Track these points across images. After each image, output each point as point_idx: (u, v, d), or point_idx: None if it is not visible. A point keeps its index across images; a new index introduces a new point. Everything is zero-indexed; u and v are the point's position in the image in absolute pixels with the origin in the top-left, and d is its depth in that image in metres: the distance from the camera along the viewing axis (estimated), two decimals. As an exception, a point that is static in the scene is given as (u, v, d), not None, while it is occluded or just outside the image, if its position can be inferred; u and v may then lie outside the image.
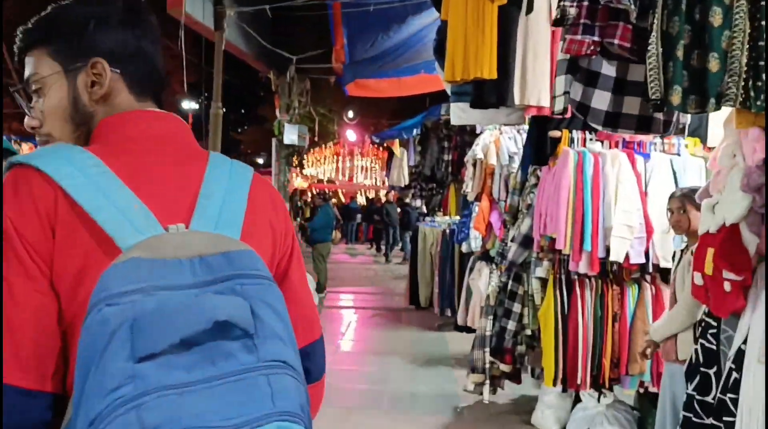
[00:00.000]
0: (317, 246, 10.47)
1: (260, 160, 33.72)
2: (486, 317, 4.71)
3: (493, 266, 6.17)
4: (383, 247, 18.13)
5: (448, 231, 7.72)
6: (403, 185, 13.39)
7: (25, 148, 20.49)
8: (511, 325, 4.43)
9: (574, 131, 4.12)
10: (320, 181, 28.34)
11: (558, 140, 4.13)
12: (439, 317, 7.96)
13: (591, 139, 4.11)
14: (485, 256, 6.26)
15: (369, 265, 15.40)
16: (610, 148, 4.09)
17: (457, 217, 8.50)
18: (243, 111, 39.73)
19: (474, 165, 6.24)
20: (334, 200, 26.62)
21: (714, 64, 2.24)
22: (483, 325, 4.71)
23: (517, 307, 4.44)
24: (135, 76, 1.05)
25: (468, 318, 6.34)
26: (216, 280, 0.84)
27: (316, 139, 10.02)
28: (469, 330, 6.45)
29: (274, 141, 9.27)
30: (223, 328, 0.78)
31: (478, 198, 6.30)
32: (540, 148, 4.25)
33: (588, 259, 3.85)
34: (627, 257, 3.84)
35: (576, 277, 4.07)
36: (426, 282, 8.05)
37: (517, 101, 3.90)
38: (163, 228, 0.89)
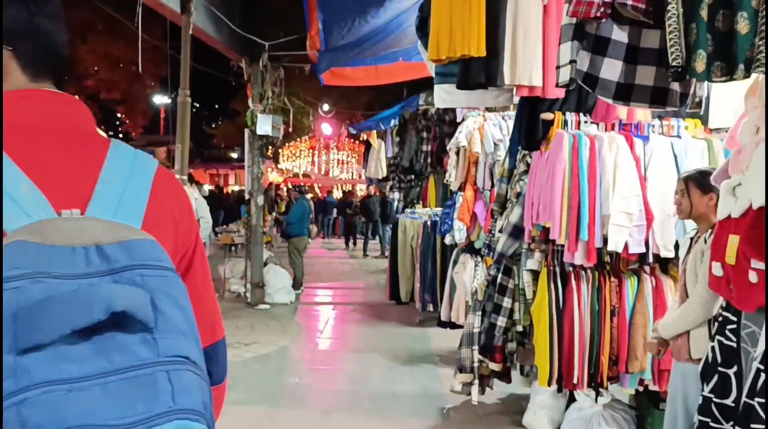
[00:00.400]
0: (293, 240, 10.12)
1: (234, 155, 33.35)
2: (474, 313, 4.43)
3: (478, 259, 5.92)
4: (352, 242, 18.07)
5: (429, 223, 7.44)
6: (380, 177, 13.11)
7: None
8: (501, 322, 4.16)
9: (567, 113, 3.85)
10: (296, 175, 28.12)
11: (550, 123, 3.85)
12: (421, 312, 7.68)
13: (586, 122, 3.84)
14: (470, 248, 5.99)
15: (346, 260, 15.08)
16: (606, 130, 3.83)
17: (439, 209, 8.23)
18: (217, 106, 39.14)
19: (457, 153, 5.96)
20: (310, 194, 26.31)
21: (743, 26, 1.97)
22: (471, 321, 4.43)
23: (507, 302, 4.17)
24: (29, 55, 0.97)
25: (452, 313, 6.06)
26: (113, 271, 0.78)
27: (291, 130, 9.65)
28: (453, 325, 6.18)
29: (246, 132, 8.87)
30: (120, 319, 0.73)
31: (461, 188, 6.02)
32: (531, 132, 3.98)
33: (584, 250, 3.59)
34: (626, 247, 3.58)
35: (571, 269, 3.81)
36: (407, 276, 7.77)
37: (507, 81, 3.64)
38: (56, 212, 0.83)
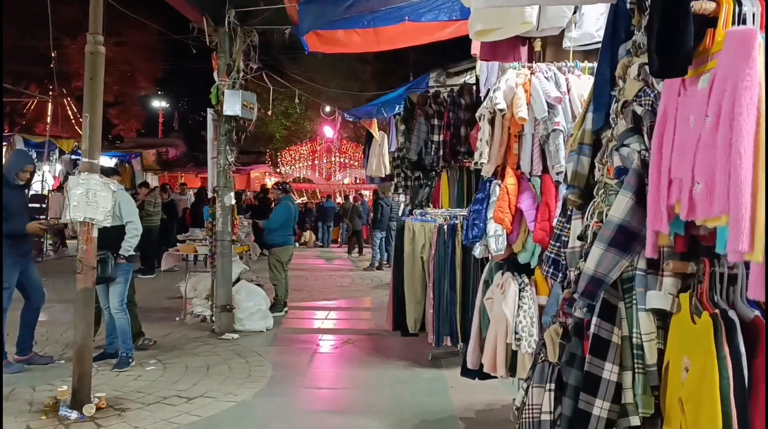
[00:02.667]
0: (275, 250, 8.17)
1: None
2: (542, 386, 2.46)
3: (525, 280, 3.97)
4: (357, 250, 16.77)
5: (446, 227, 5.48)
6: (384, 175, 11.14)
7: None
8: (600, 408, 2.20)
9: (745, 1, 1.91)
10: (296, 180, 26.76)
11: (708, 22, 1.91)
12: (435, 347, 5.72)
13: (784, 14, 1.89)
14: (511, 263, 4.04)
15: (345, 272, 13.11)
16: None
17: (458, 210, 6.29)
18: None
19: (492, 122, 4.02)
20: (306, 199, 24.35)
21: None
22: (536, 401, 2.47)
23: (609, 372, 2.21)
24: None
25: (484, 359, 4.10)
26: None
27: (270, 113, 7.74)
28: (484, 375, 4.24)
29: (209, 113, 6.95)
30: None
31: (497, 173, 4.09)
32: (667, 41, 2.02)
33: (802, 277, 1.63)
34: None
35: (758, 312, 1.87)
36: (416, 299, 5.81)
37: None
38: None
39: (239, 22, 6.78)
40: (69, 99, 33.15)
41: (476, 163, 4.14)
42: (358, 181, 25.73)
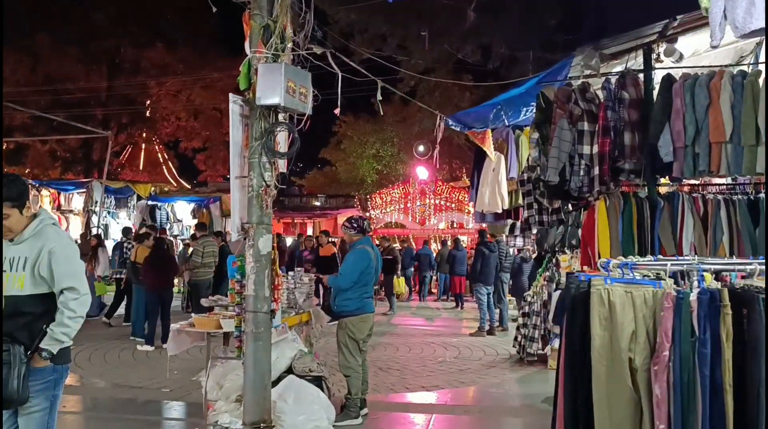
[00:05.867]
0: (347, 322, 5.29)
1: (317, 203, 29.81)
2: None
3: None
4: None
5: (693, 298, 2.48)
6: (500, 210, 8.10)
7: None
8: None
9: None
10: (388, 224, 24.55)
11: None
12: None
13: None
14: None
15: (446, 338, 10.04)
16: None
17: (710, 260, 3.25)
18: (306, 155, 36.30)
19: None
20: (398, 244, 21.53)
21: None
22: None
23: None
24: None
25: None
26: None
27: (338, 112, 5.03)
28: None
29: (232, 103, 4.24)
30: None
31: None
32: None
33: None
34: None
35: None
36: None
37: None
38: None
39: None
40: (159, 145, 32.54)
41: None
42: (455, 226, 22.96)
